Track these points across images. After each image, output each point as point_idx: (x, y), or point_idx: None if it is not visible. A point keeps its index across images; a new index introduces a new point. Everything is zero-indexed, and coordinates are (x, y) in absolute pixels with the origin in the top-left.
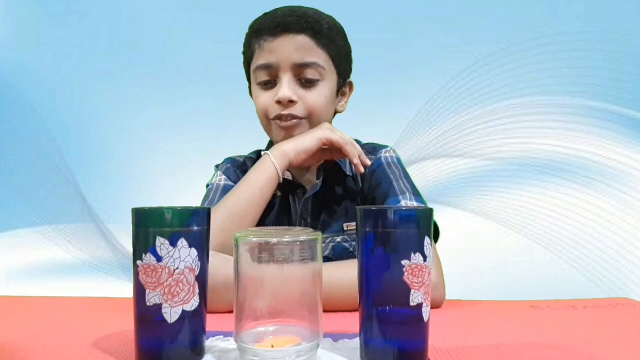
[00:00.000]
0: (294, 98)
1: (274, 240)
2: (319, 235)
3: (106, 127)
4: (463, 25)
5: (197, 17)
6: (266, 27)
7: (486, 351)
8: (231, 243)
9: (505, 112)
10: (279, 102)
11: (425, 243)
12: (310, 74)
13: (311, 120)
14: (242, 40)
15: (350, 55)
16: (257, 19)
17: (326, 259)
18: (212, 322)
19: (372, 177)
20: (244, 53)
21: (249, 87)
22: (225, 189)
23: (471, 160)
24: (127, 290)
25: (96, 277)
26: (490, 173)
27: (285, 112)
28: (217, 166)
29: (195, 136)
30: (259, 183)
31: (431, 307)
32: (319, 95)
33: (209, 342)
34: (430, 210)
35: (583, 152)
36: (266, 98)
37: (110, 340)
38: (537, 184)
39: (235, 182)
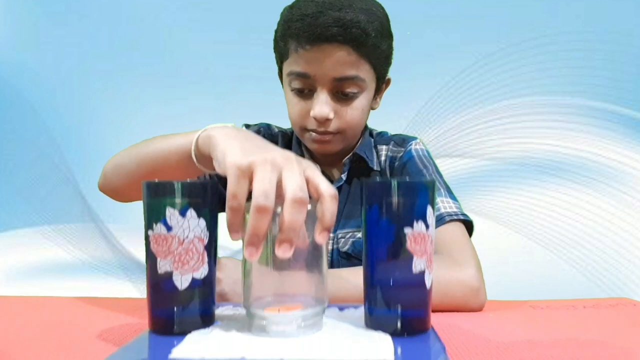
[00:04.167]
0: (331, 116)
1: (279, 209)
2: None
3: (106, 127)
4: (463, 25)
5: (197, 17)
6: (305, 34)
7: (486, 351)
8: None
9: (505, 112)
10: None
11: (427, 213)
12: (349, 88)
13: (345, 134)
14: (242, 40)
15: (391, 53)
16: (294, 15)
17: (346, 254)
18: None
19: (403, 170)
20: (275, 42)
21: (279, 72)
22: None
23: (471, 160)
24: (127, 290)
25: (96, 277)
26: (490, 173)
27: (320, 129)
28: (247, 125)
29: None
30: (170, 156)
31: (471, 311)
32: (356, 110)
33: (218, 312)
34: (433, 182)
35: (583, 152)
36: (301, 109)
37: (110, 340)
38: (537, 184)
39: None
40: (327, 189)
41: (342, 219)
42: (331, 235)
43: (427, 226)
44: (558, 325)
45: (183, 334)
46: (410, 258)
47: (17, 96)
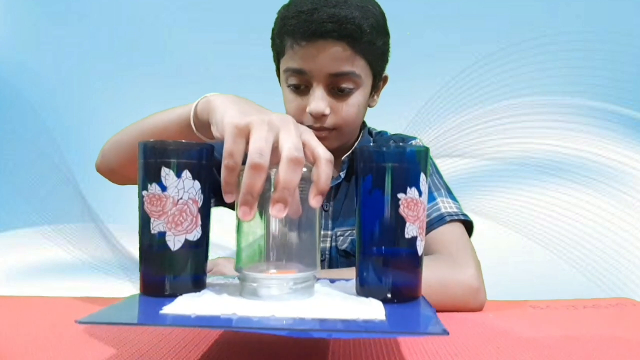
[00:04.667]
0: (327, 112)
1: (272, 172)
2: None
3: (106, 127)
4: (463, 25)
5: (197, 17)
6: (301, 30)
7: (486, 351)
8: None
9: (505, 112)
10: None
11: (421, 179)
12: (344, 83)
13: (342, 130)
14: (242, 40)
15: (388, 51)
16: (290, 12)
17: (344, 252)
18: None
19: None
20: (272, 39)
21: (277, 70)
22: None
23: (471, 160)
24: (127, 290)
25: (96, 277)
26: (490, 173)
27: (316, 125)
28: None
29: None
30: (169, 128)
31: (471, 311)
32: (352, 106)
33: (210, 280)
34: (427, 149)
35: (583, 152)
36: (297, 105)
37: (109, 340)
38: (537, 184)
39: None
40: (323, 153)
41: (341, 216)
42: (329, 232)
43: (420, 193)
44: (558, 325)
45: (174, 296)
46: (402, 223)
47: (17, 96)
